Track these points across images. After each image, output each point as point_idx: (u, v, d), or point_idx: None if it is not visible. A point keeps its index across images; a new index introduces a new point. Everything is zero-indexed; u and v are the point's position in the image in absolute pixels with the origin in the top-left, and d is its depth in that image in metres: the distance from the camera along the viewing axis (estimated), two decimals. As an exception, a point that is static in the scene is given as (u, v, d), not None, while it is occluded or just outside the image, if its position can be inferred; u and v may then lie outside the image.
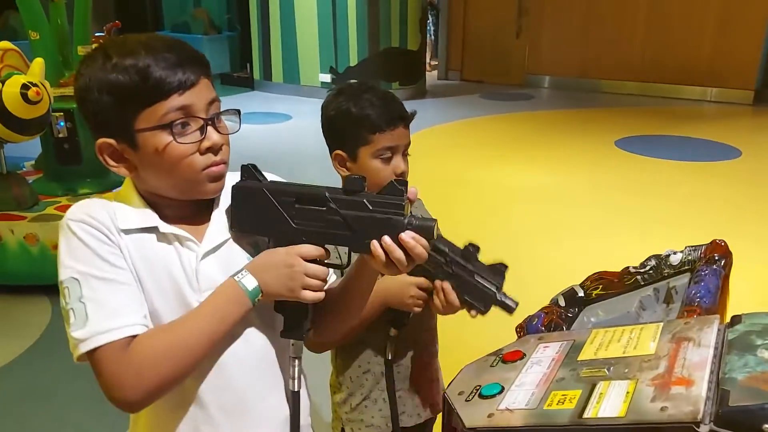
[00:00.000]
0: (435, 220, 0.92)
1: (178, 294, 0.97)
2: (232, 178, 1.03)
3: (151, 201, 0.99)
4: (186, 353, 0.92)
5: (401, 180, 0.92)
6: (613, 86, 8.73)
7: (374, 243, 0.91)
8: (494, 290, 1.21)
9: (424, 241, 0.91)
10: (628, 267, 1.56)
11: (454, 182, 4.88)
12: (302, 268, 0.94)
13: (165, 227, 0.98)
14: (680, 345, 1.02)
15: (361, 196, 0.91)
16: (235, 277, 0.95)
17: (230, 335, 0.97)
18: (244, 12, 8.80)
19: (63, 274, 0.92)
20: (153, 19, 10.37)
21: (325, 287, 0.98)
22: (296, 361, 1.01)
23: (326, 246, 0.96)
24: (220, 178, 0.99)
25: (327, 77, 8.01)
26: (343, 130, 1.36)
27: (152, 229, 0.97)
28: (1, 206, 3.36)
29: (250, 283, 0.94)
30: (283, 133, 6.71)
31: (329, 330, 1.09)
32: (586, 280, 1.58)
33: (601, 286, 1.54)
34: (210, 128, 0.95)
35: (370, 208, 0.91)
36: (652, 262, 1.52)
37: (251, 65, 8.81)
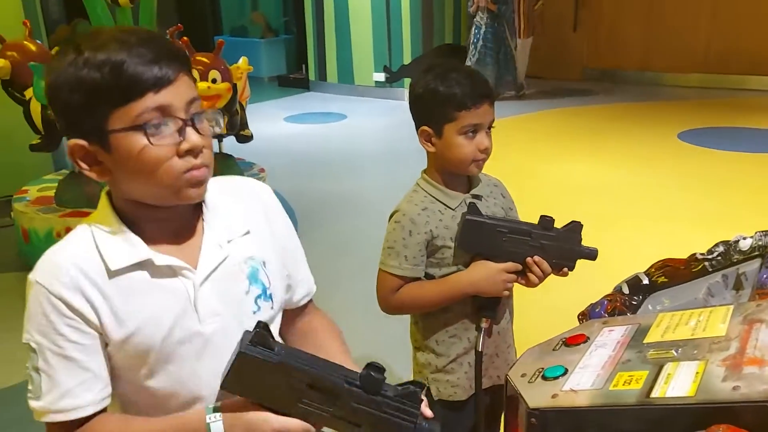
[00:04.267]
0: (440, 424, 0.90)
1: (180, 327, 0.93)
2: (217, 183, 0.98)
3: (132, 217, 0.93)
4: None
5: (418, 382, 0.90)
6: (675, 79, 8.45)
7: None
8: (577, 246, 1.40)
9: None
10: (695, 254, 1.51)
11: (517, 176, 4.82)
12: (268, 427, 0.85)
13: (159, 259, 0.91)
14: (752, 326, 0.99)
15: (380, 397, 0.87)
16: (208, 416, 0.87)
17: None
18: (299, 14, 8.94)
19: (23, 336, 0.90)
20: (212, 23, 10.64)
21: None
22: None
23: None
24: (201, 183, 0.92)
25: (381, 76, 8.05)
26: (429, 107, 1.42)
27: (144, 264, 0.91)
28: (74, 203, 3.52)
29: (217, 430, 0.86)
30: (338, 132, 6.77)
31: None
32: (651, 267, 1.55)
33: (666, 274, 1.51)
34: (189, 129, 0.88)
35: (385, 411, 0.87)
36: (721, 248, 1.47)
37: (307, 66, 8.93)
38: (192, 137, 0.88)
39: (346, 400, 0.87)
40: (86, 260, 0.90)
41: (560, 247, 1.39)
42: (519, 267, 1.40)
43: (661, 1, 8.45)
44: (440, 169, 1.47)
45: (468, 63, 7.08)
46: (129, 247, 0.91)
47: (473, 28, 7.39)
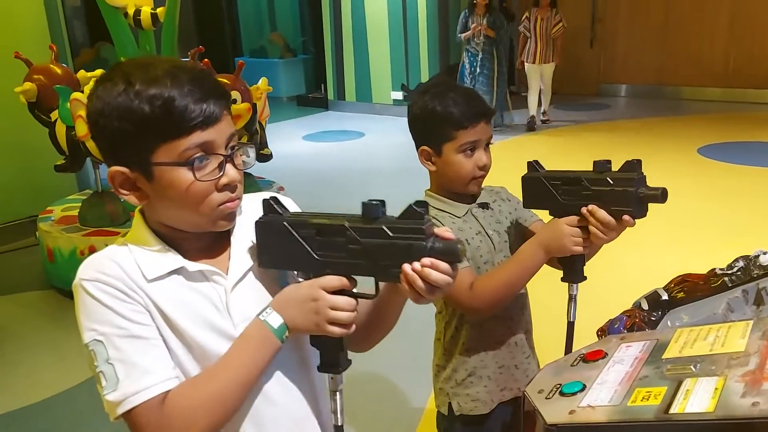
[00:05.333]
0: (459, 241, 0.87)
1: (216, 330, 0.94)
2: (251, 201, 1.02)
3: (167, 235, 0.96)
4: (221, 404, 0.91)
5: (421, 201, 0.87)
6: (694, 93, 8.41)
7: (402, 280, 0.86)
8: (632, 187, 1.24)
9: (444, 265, 0.85)
10: (714, 269, 1.51)
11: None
12: (327, 302, 0.90)
13: (192, 266, 0.95)
14: (772, 342, 0.98)
15: (380, 223, 0.87)
16: (261, 316, 0.92)
17: (264, 375, 0.95)
18: (318, 35, 9.06)
19: (86, 337, 0.90)
20: (232, 44, 10.81)
21: (356, 317, 0.93)
22: (337, 395, 0.98)
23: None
24: (234, 216, 0.96)
25: (399, 95, 8.11)
26: (428, 127, 1.44)
27: (179, 270, 0.94)
28: (97, 222, 3.59)
29: (275, 321, 0.92)
30: (356, 150, 6.83)
31: (362, 345, 1.07)
32: (670, 282, 1.54)
33: (685, 289, 1.50)
34: (228, 165, 0.92)
35: (391, 234, 0.86)
36: (740, 263, 1.46)
37: (325, 86, 9.03)
38: (230, 173, 0.92)
39: (351, 236, 0.88)
40: (125, 264, 0.93)
41: (614, 191, 1.26)
42: (576, 220, 1.30)
43: (676, 15, 8.44)
44: (442, 187, 1.48)
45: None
46: (163, 258, 0.94)
47: (466, 56, 7.05)
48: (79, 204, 3.82)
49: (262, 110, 4.08)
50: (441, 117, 1.40)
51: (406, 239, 0.86)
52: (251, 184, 4.10)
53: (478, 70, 6.96)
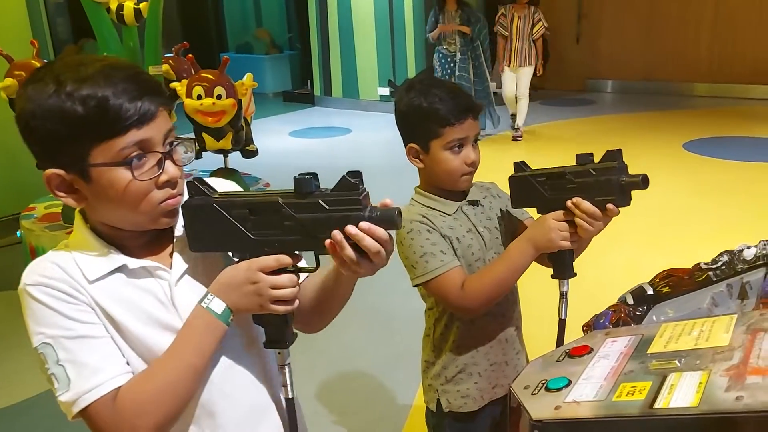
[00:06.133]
0: (397, 209, 0.86)
1: (162, 325, 0.94)
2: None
3: (108, 234, 0.95)
4: (173, 395, 0.91)
5: (354, 172, 0.86)
6: (679, 88, 8.47)
7: (328, 242, 0.85)
8: (615, 175, 1.24)
9: (380, 231, 0.84)
10: (699, 263, 1.51)
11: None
12: (267, 282, 0.90)
13: (133, 263, 0.94)
14: (756, 336, 0.98)
15: (315, 197, 0.86)
16: (203, 303, 0.92)
17: (214, 360, 0.95)
18: (304, 31, 9.02)
19: (35, 341, 0.90)
20: (217, 40, 10.74)
21: (299, 292, 0.93)
22: (286, 368, 0.98)
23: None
24: (176, 213, 0.95)
25: (386, 90, 8.09)
26: (414, 124, 1.42)
27: (120, 269, 0.93)
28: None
29: (218, 306, 0.91)
30: (342, 146, 6.81)
31: (314, 325, 1.07)
32: (655, 277, 1.54)
33: (670, 284, 1.50)
34: (168, 162, 0.90)
35: (327, 207, 0.85)
36: (725, 258, 1.47)
37: (312, 82, 9.00)
38: (170, 169, 0.91)
39: (286, 213, 0.87)
40: (67, 266, 0.92)
41: (597, 181, 1.26)
42: (562, 214, 1.30)
43: (661, 11, 8.49)
44: (431, 184, 1.47)
45: None
46: (104, 258, 0.93)
47: (438, 59, 6.37)
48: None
49: (247, 106, 4.05)
50: (427, 114, 1.38)
51: (343, 210, 0.85)
52: (237, 180, 4.06)
53: (458, 72, 6.27)
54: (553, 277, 1.39)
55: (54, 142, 0.86)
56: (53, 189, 0.90)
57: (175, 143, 0.93)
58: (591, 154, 1.30)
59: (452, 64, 6.32)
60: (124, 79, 0.86)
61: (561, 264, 1.37)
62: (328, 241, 0.85)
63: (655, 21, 8.56)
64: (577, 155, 1.31)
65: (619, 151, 1.28)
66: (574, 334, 1.35)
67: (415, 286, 1.44)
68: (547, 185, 1.34)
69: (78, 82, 0.84)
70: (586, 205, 1.27)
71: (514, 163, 1.42)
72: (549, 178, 1.33)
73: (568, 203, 1.29)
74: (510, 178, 1.41)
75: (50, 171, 0.89)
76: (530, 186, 1.35)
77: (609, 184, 1.25)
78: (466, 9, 6.20)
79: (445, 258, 1.39)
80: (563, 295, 1.40)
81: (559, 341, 1.39)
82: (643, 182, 1.24)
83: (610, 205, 1.26)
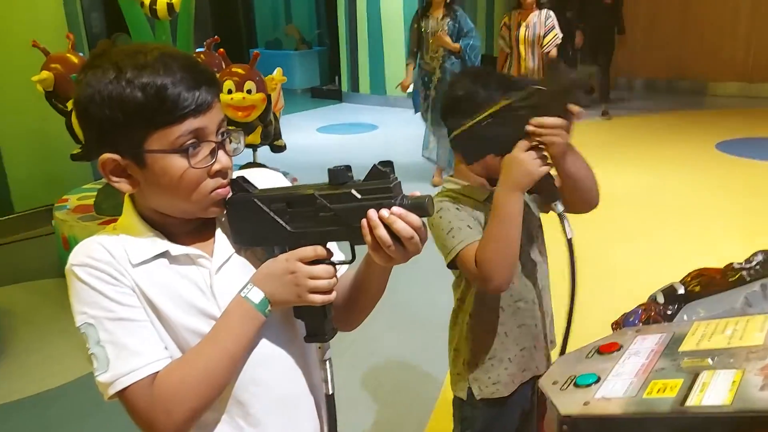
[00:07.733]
0: (428, 196, 0.87)
1: (201, 312, 0.95)
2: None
3: (156, 221, 0.96)
4: (209, 382, 0.92)
5: (385, 162, 0.87)
6: (713, 88, 8.32)
7: (363, 228, 0.86)
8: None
9: (413, 217, 0.85)
10: (731, 263, 1.48)
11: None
12: (304, 272, 0.91)
13: (175, 249, 0.95)
14: (791, 336, 0.97)
15: (348, 187, 0.88)
16: (242, 293, 0.93)
17: (252, 350, 0.96)
18: (333, 27, 9.05)
19: (78, 321, 0.92)
20: (248, 36, 10.82)
21: (336, 284, 0.93)
22: (326, 363, 0.98)
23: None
24: (224, 201, 0.96)
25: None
26: (467, 110, 1.39)
27: (163, 254, 0.95)
28: (112, 211, 3.60)
29: (256, 296, 0.92)
30: (369, 142, 6.82)
31: (349, 322, 1.07)
32: (687, 276, 1.52)
33: (702, 283, 1.48)
34: (220, 151, 0.92)
35: (359, 197, 0.87)
36: (759, 258, 1.44)
37: (340, 78, 9.02)
38: (222, 159, 0.93)
39: (321, 203, 0.89)
40: (113, 249, 0.94)
41: (553, 91, 1.28)
42: (526, 144, 1.30)
43: (695, 8, 8.32)
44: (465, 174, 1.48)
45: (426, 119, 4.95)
46: (149, 242, 0.95)
47: (419, 75, 5.00)
48: (95, 193, 3.85)
49: (276, 101, 4.08)
50: (483, 101, 1.36)
51: (375, 199, 0.86)
52: (265, 174, 4.10)
53: (432, 93, 4.81)
54: (545, 203, 1.43)
55: (112, 127, 0.87)
56: (107, 173, 0.92)
57: (227, 133, 0.94)
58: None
59: (429, 84, 4.90)
60: (182, 68, 0.87)
61: (547, 189, 1.38)
62: (363, 220, 0.86)
63: (689, 18, 8.41)
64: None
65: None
66: (603, 332, 1.33)
67: (448, 267, 1.45)
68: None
69: (137, 69, 0.85)
70: (550, 120, 1.26)
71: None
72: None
73: (528, 128, 1.27)
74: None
75: (106, 155, 0.90)
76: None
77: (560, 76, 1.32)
78: (455, 16, 4.74)
79: (469, 232, 1.38)
80: (562, 216, 1.39)
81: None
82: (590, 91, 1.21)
83: (572, 107, 1.27)
